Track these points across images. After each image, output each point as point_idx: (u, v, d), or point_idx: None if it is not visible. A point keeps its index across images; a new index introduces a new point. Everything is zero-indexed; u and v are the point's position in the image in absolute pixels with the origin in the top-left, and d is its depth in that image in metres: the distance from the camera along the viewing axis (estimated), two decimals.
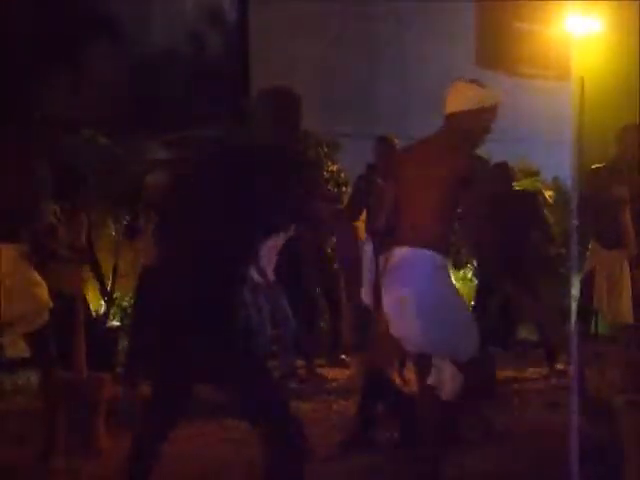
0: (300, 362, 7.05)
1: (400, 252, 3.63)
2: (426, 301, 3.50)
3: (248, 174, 3.01)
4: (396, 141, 6.49)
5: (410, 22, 12.05)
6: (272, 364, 6.72)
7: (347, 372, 6.96)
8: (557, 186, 10.49)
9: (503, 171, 6.71)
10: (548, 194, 8.15)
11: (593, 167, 5.68)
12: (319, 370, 7.04)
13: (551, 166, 9.90)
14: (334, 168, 9.08)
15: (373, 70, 11.76)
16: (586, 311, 5.41)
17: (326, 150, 9.10)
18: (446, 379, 3.62)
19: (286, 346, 6.65)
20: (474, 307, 6.66)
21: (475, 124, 3.67)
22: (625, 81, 10.69)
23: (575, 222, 4.29)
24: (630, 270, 5.23)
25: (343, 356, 7.38)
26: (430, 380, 3.64)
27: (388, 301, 3.69)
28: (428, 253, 3.54)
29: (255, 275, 6.27)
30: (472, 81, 3.71)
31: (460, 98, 3.68)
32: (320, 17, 11.64)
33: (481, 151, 3.94)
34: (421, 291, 3.51)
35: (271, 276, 6.56)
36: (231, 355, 2.98)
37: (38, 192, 4.14)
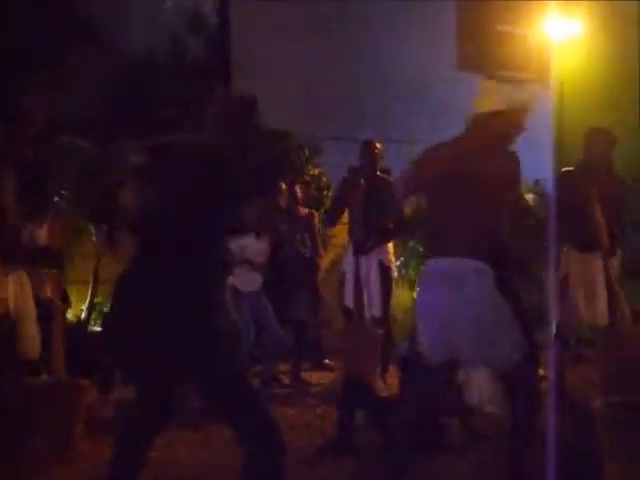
0: (284, 367, 7.05)
1: (447, 262, 3.56)
2: (476, 314, 3.45)
3: (199, 174, 3.06)
4: (379, 145, 6.52)
5: (392, 25, 12.07)
6: (256, 369, 6.76)
7: (331, 376, 6.94)
8: (538, 189, 10.54)
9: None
10: (529, 197, 8.14)
11: (563, 170, 5.72)
12: (303, 374, 7.02)
13: (533, 169, 9.92)
14: (315, 172, 9.09)
15: (354, 73, 11.76)
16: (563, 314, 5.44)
17: (307, 153, 9.10)
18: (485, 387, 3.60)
19: (270, 351, 6.64)
20: None
21: (508, 121, 3.62)
22: (604, 83, 10.77)
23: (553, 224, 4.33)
24: (604, 270, 5.25)
25: (327, 360, 7.37)
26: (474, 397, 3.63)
27: (430, 311, 3.63)
28: (482, 266, 3.48)
29: (238, 279, 6.28)
30: (504, 79, 3.68)
31: (497, 98, 3.64)
32: (302, 20, 11.64)
33: None
34: (471, 303, 3.46)
35: (258, 282, 6.56)
36: (207, 357, 2.97)
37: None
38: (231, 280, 6.32)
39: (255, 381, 6.63)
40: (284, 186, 7.07)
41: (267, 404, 3.20)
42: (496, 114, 3.60)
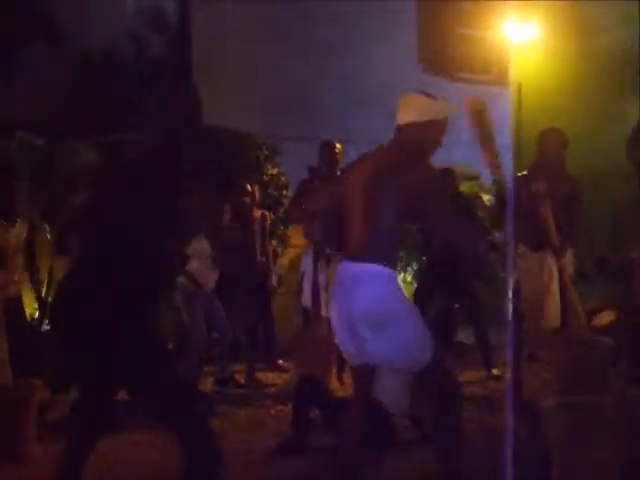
0: (240, 367, 7.03)
1: (349, 266, 3.61)
2: (378, 315, 3.47)
3: (138, 174, 3.06)
4: (339, 146, 6.52)
5: (353, 26, 12.08)
6: (210, 369, 6.72)
7: (286, 376, 6.93)
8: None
9: (447, 177, 6.76)
10: (486, 198, 8.24)
11: (519, 174, 5.76)
12: (257, 374, 7.00)
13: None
14: (274, 171, 9.07)
15: (315, 73, 11.76)
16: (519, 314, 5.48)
17: (266, 153, 9.07)
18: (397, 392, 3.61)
19: (222, 352, 6.61)
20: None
21: (426, 136, 3.62)
22: (562, 85, 10.87)
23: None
24: (559, 272, 5.30)
25: (281, 361, 7.35)
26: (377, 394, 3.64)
27: (337, 315, 3.66)
28: (378, 268, 3.52)
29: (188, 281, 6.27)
30: (424, 93, 3.68)
31: (409, 110, 3.63)
32: (263, 20, 11.61)
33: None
34: (372, 305, 3.48)
35: (211, 284, 6.54)
36: (142, 360, 2.95)
37: None
38: (183, 280, 6.32)
39: (210, 381, 6.62)
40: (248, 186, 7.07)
41: (205, 410, 3.19)
42: (413, 127, 3.60)
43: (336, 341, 3.73)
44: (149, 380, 3.01)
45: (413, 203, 3.50)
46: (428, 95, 3.65)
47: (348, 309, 3.54)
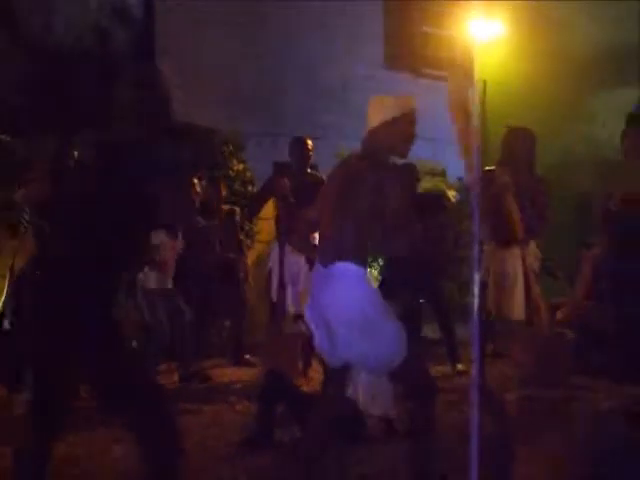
0: (208, 363, 7.02)
1: (322, 267, 3.63)
2: (350, 316, 3.48)
3: (114, 171, 3.04)
4: (310, 142, 6.52)
5: (317, 22, 12.07)
6: (173, 366, 6.69)
7: (252, 372, 6.91)
8: (462, 186, 10.69)
9: (410, 173, 6.78)
10: (451, 194, 8.28)
11: (485, 169, 5.78)
12: (224, 370, 6.99)
13: (458, 167, 10.05)
14: (240, 167, 9.03)
15: (280, 69, 11.72)
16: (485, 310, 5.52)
17: (231, 149, 9.04)
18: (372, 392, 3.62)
19: (186, 348, 6.58)
20: None
21: (394, 134, 3.67)
22: (526, 83, 10.97)
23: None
24: (523, 267, 5.34)
25: (248, 356, 7.34)
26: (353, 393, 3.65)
27: (312, 315, 3.67)
28: (350, 267, 3.53)
29: (151, 280, 6.24)
30: (386, 94, 3.74)
31: (375, 112, 3.69)
32: (227, 15, 11.54)
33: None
34: (344, 305, 3.50)
35: (170, 279, 6.52)
36: (101, 356, 2.93)
37: None
38: (143, 278, 6.29)
39: (174, 378, 6.58)
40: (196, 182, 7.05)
41: (164, 404, 3.15)
42: (379, 128, 3.66)
43: (315, 341, 3.73)
44: (109, 376, 2.99)
45: (381, 202, 3.52)
46: (388, 95, 3.71)
47: (321, 309, 3.56)
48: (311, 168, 6.58)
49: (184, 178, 3.37)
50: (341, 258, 3.52)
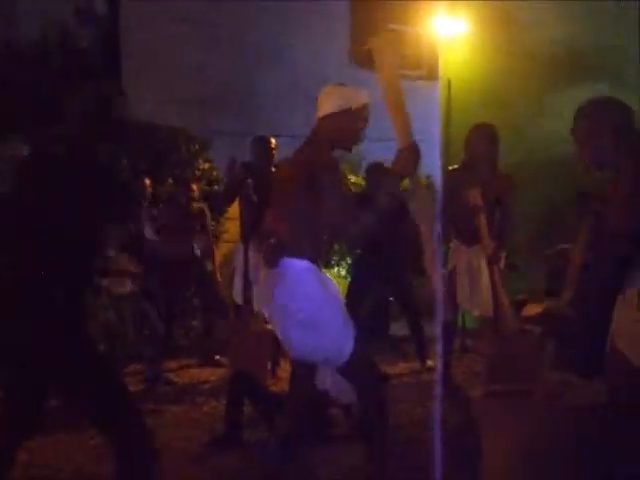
0: (173, 364, 6.98)
1: (275, 261, 3.61)
2: (299, 311, 3.49)
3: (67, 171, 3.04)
4: (274, 140, 6.49)
5: (285, 20, 12.06)
6: (140, 367, 6.64)
7: (221, 372, 6.88)
8: (429, 184, 10.73)
9: (376, 171, 6.78)
10: None
11: (450, 168, 5.82)
12: (192, 371, 6.96)
13: (425, 165, 10.10)
14: (205, 166, 8.99)
15: (247, 67, 11.70)
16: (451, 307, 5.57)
17: (197, 147, 8.99)
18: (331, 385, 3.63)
19: (152, 349, 6.54)
20: (346, 304, 6.71)
21: (345, 126, 3.64)
22: (492, 81, 11.05)
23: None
24: (488, 265, 5.38)
25: (217, 356, 7.30)
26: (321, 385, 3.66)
27: (269, 309, 3.69)
28: (299, 263, 3.53)
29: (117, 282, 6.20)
30: (340, 84, 3.70)
31: (330, 101, 3.64)
32: (194, 13, 11.50)
33: (355, 151, 3.93)
34: (290, 300, 3.51)
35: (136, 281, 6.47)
36: (69, 358, 2.91)
37: None
38: (106, 282, 6.23)
39: (140, 379, 6.53)
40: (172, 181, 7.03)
41: (137, 407, 3.15)
42: (328, 117, 3.63)
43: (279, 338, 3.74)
44: (77, 379, 2.96)
45: (317, 197, 3.51)
46: (344, 86, 3.68)
47: (276, 306, 3.57)
48: (275, 167, 6.56)
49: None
50: (287, 255, 3.52)
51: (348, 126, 3.64)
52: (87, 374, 2.97)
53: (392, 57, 3.57)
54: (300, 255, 3.52)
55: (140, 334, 6.51)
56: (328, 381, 3.70)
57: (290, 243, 3.54)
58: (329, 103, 3.64)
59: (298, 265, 3.52)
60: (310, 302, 3.50)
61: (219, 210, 6.78)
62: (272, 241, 3.66)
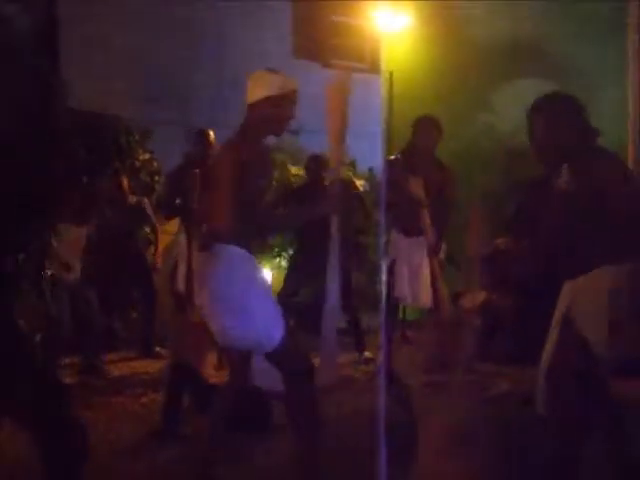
0: (113, 356, 6.90)
1: (206, 249, 3.62)
2: (226, 296, 3.50)
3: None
4: (212, 134, 6.46)
5: (228, 11, 11.99)
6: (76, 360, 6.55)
7: (159, 364, 6.82)
8: (371, 176, 10.79)
9: (318, 163, 6.82)
10: (359, 183, 8.33)
11: (389, 158, 5.85)
12: (130, 363, 6.89)
13: (367, 158, 10.17)
14: (146, 156, 8.88)
15: (190, 58, 11.61)
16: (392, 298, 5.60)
17: (137, 138, 8.87)
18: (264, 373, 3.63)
19: (89, 340, 6.46)
20: (283, 294, 6.73)
21: (275, 111, 3.65)
22: (435, 74, 11.13)
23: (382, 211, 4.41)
24: (428, 256, 5.43)
25: (158, 348, 7.24)
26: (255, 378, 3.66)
27: (201, 296, 3.66)
28: (231, 249, 3.53)
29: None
30: (269, 70, 3.70)
31: (259, 86, 3.66)
32: (137, 3, 11.36)
33: (297, 142, 3.96)
34: (221, 286, 3.51)
35: (77, 270, 6.39)
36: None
37: None
38: (49, 270, 6.14)
39: (74, 371, 6.44)
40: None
41: (65, 401, 3.06)
42: (259, 103, 3.64)
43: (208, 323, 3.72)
44: (4, 370, 2.88)
45: (251, 181, 3.52)
46: (274, 71, 3.69)
47: (205, 290, 3.56)
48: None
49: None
50: (217, 240, 3.53)
51: (275, 112, 3.65)
52: (9, 365, 2.88)
53: (342, 103, 3.64)
54: (232, 241, 3.52)
55: (78, 324, 6.41)
56: (256, 369, 3.70)
57: (222, 229, 3.53)
58: (256, 89, 3.66)
59: (230, 250, 3.52)
60: (240, 287, 3.50)
61: (167, 208, 6.66)
62: (204, 227, 3.66)
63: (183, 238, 6.31)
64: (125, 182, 7.29)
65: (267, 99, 3.61)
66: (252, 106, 3.66)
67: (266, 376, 3.71)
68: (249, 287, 3.53)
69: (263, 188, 3.60)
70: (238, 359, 3.72)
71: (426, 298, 5.49)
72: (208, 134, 6.43)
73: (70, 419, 2.96)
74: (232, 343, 3.63)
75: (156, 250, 7.49)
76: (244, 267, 3.56)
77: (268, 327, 3.52)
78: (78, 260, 6.43)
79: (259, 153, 3.55)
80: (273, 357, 3.57)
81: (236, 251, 3.53)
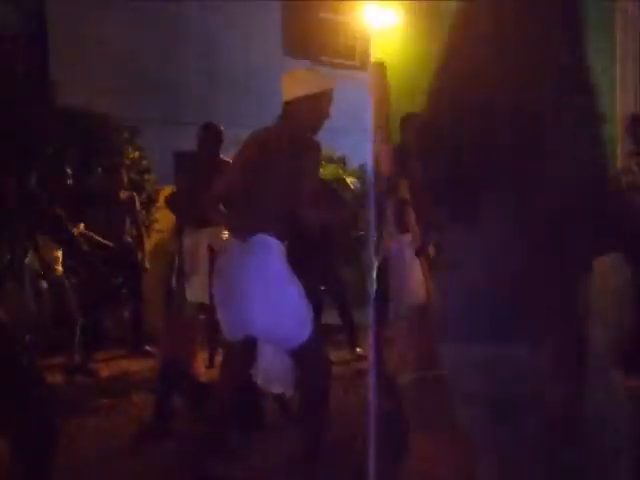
0: (103, 355, 6.88)
1: (240, 240, 3.61)
2: (266, 287, 3.51)
3: None
4: (222, 128, 6.44)
5: (217, 8, 11.96)
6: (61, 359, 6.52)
7: (150, 363, 6.81)
8: (362, 173, 10.77)
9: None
10: (350, 180, 8.32)
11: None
12: (120, 362, 6.87)
13: (358, 154, 10.17)
14: (135, 154, 8.85)
15: (179, 56, 11.58)
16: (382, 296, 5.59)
17: (126, 135, 8.84)
18: (276, 369, 3.64)
19: (73, 339, 6.42)
20: None
21: (313, 109, 3.69)
22: (424, 70, 11.12)
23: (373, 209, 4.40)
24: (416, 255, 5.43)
25: (148, 347, 7.23)
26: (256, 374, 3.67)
27: (222, 288, 3.68)
28: (267, 238, 3.54)
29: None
30: (307, 68, 3.76)
31: (295, 85, 3.70)
32: (123, 0, 11.32)
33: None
34: (262, 276, 3.51)
35: (59, 266, 6.37)
36: None
37: None
38: (32, 265, 6.10)
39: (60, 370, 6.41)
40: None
41: (45, 401, 3.04)
42: (300, 100, 3.67)
43: (218, 316, 3.74)
44: None
45: (295, 177, 3.51)
46: (312, 69, 3.74)
47: (236, 279, 3.55)
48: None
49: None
50: (261, 230, 3.52)
51: (319, 109, 3.71)
52: None
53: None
54: (273, 232, 3.54)
55: (62, 323, 6.38)
56: (261, 368, 3.70)
57: (263, 220, 3.54)
58: (294, 87, 3.68)
59: (271, 242, 3.53)
60: (282, 280, 3.53)
61: (174, 209, 6.64)
62: (241, 217, 3.62)
63: (183, 238, 6.31)
64: (125, 178, 7.32)
65: (308, 97, 3.65)
66: (289, 104, 3.69)
67: (271, 377, 3.72)
68: (289, 282, 3.56)
69: (310, 182, 3.58)
70: (240, 355, 3.72)
71: (417, 295, 5.49)
72: (218, 128, 6.40)
73: (42, 418, 2.94)
74: (261, 333, 3.61)
75: (142, 249, 7.46)
76: (282, 260, 3.58)
77: (300, 324, 3.56)
78: (61, 256, 6.39)
79: (314, 148, 3.57)
80: (297, 353, 3.58)
81: (277, 243, 3.55)
